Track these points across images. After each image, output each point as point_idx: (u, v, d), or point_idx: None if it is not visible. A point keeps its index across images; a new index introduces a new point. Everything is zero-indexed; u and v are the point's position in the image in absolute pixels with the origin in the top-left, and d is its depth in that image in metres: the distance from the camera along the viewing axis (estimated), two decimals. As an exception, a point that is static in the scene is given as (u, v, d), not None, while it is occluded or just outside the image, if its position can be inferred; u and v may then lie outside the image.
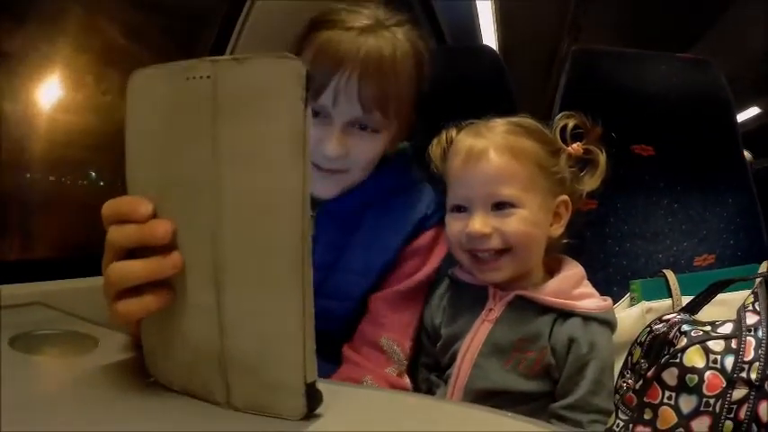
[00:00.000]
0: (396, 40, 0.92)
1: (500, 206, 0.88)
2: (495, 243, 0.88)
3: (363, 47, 0.88)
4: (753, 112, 5.67)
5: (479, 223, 0.88)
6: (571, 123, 0.99)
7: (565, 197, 0.94)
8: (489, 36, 3.99)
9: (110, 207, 0.54)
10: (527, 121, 0.95)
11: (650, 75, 1.34)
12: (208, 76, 0.50)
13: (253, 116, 0.49)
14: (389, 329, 0.94)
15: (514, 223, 0.87)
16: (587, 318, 0.88)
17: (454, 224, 0.92)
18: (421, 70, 0.97)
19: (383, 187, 1.00)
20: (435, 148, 0.99)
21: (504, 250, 0.89)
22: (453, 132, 0.97)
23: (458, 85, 1.36)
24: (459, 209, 0.92)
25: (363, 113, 0.90)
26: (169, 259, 0.52)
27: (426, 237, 0.99)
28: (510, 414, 0.56)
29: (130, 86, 0.54)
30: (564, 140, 0.98)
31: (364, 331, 0.95)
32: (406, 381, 0.95)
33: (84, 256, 0.97)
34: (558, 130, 0.98)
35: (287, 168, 0.48)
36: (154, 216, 0.53)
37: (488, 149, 0.89)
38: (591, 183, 0.98)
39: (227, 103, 0.50)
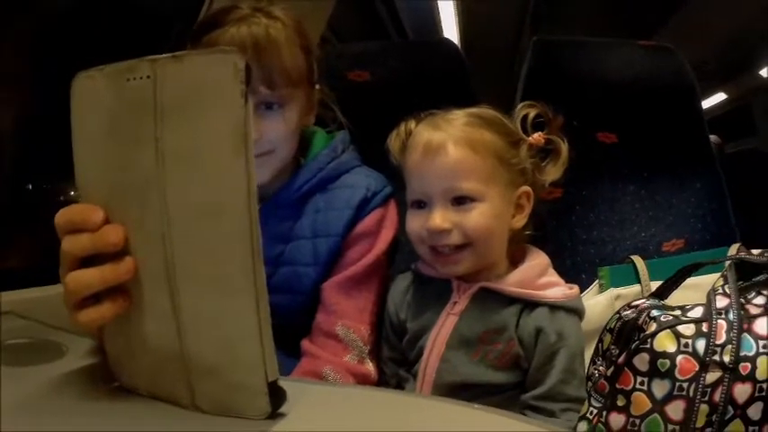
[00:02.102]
0: (268, 20, 0.93)
1: (460, 200, 0.87)
2: (456, 238, 0.87)
3: (237, 36, 0.89)
4: (722, 96, 5.74)
5: (439, 218, 0.86)
6: (532, 113, 0.97)
7: (526, 188, 0.93)
8: (451, 30, 4.01)
9: (62, 217, 0.54)
10: (487, 111, 0.93)
11: (612, 63, 1.35)
12: (148, 76, 0.50)
13: (194, 114, 0.49)
14: (344, 316, 0.93)
15: (475, 218, 0.86)
16: (554, 307, 0.87)
17: (414, 220, 0.91)
18: (304, 39, 0.97)
19: (320, 175, 1.00)
20: (394, 141, 0.97)
21: (465, 244, 0.88)
22: (412, 124, 0.96)
23: (416, 80, 1.36)
24: (420, 204, 0.90)
25: (254, 95, 0.90)
26: (122, 265, 0.52)
27: (371, 219, 0.98)
28: (477, 406, 0.56)
29: (73, 90, 0.54)
30: (525, 130, 0.96)
31: (319, 321, 0.95)
32: (368, 367, 0.94)
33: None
34: (519, 120, 0.97)
35: (230, 165, 0.48)
36: (107, 221, 0.53)
37: (446, 143, 0.87)
38: (553, 172, 0.97)
39: (168, 103, 0.49)
